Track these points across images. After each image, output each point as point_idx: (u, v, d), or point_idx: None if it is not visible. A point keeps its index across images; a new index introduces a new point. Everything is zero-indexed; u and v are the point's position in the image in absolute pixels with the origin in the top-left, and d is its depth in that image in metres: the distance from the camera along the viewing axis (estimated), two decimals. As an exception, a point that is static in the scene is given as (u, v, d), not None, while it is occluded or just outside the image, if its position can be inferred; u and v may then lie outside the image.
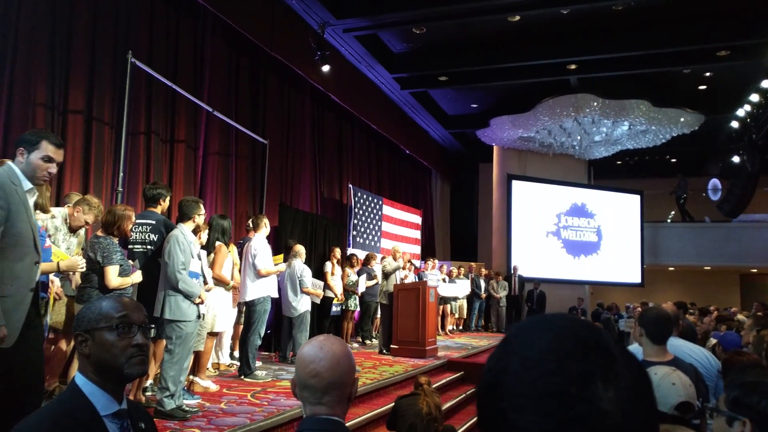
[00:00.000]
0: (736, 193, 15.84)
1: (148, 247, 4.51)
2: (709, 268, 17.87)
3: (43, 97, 5.68)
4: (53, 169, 2.67)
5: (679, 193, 17.11)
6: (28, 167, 2.62)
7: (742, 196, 15.69)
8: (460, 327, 12.78)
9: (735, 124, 13.76)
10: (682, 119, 13.31)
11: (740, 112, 13.02)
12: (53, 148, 2.65)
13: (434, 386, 5.59)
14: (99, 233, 3.92)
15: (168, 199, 4.67)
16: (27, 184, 2.61)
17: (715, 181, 17.98)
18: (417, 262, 12.12)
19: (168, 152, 7.24)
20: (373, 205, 11.55)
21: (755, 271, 18.79)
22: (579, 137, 14.19)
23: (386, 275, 8.29)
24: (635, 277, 16.27)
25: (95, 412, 1.35)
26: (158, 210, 4.61)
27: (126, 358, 1.42)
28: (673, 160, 18.50)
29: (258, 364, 6.07)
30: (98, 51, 6.28)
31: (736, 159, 14.96)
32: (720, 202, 17.19)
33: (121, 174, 5.64)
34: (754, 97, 12.13)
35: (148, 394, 4.62)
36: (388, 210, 12.18)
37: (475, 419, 6.56)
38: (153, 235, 4.51)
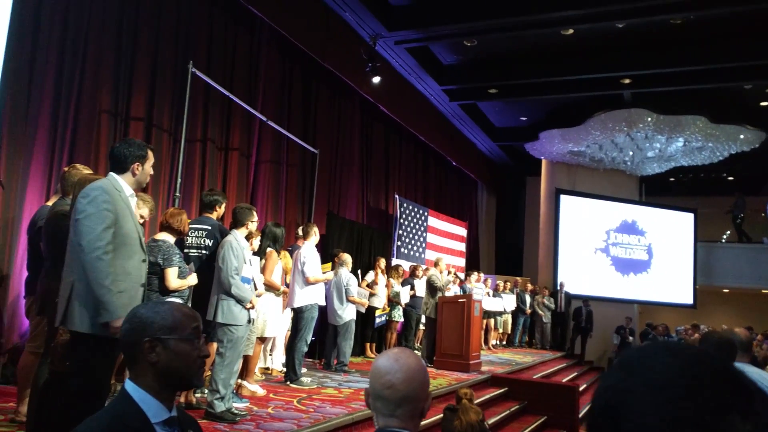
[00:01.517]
0: (798, 214, 15.18)
1: (203, 251, 4.63)
2: (766, 291, 17.12)
3: (107, 105, 5.93)
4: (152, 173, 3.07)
5: (736, 213, 16.47)
6: (142, 176, 2.97)
7: (804, 217, 15.02)
8: (504, 342, 12.60)
9: (798, 142, 13.20)
10: (741, 136, 12.85)
11: (804, 130, 12.50)
12: (152, 155, 3.03)
13: (478, 401, 5.52)
14: (157, 237, 4.06)
15: (223, 205, 4.80)
16: (129, 190, 2.91)
17: (775, 201, 17.25)
18: (461, 275, 12.04)
19: (222, 159, 7.44)
20: (418, 216, 11.55)
21: (816, 296, 17.91)
22: (631, 152, 13.86)
23: (436, 290, 8.21)
24: (687, 298, 15.72)
25: (146, 420, 1.35)
26: (214, 216, 4.74)
27: (196, 368, 1.44)
28: (730, 178, 17.84)
29: (303, 370, 6.13)
30: (160, 61, 6.52)
31: (798, 178, 14.35)
32: (780, 223, 16.49)
33: (179, 180, 5.82)
34: (820, 115, 11.65)
35: (198, 395, 4.73)
36: (433, 221, 12.16)
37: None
38: (208, 240, 4.63)
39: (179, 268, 3.91)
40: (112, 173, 2.90)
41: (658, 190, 17.29)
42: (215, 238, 4.62)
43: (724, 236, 18.37)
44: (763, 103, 12.46)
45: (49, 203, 3.91)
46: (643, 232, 15.60)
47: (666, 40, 10.01)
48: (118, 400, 1.40)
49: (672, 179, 17.31)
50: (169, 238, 4.00)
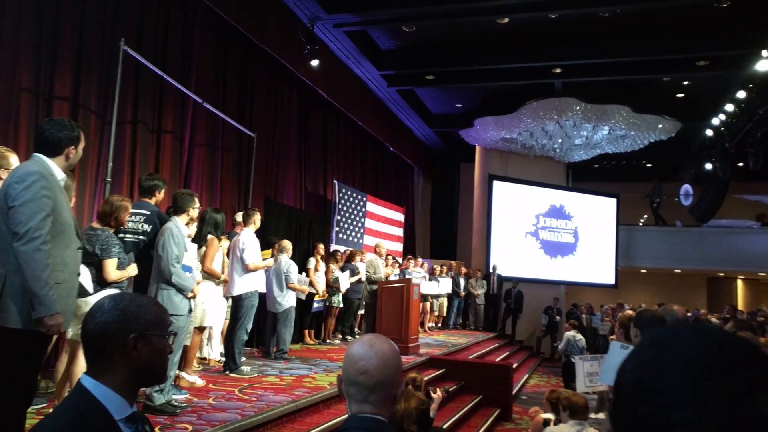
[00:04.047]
0: (708, 199, 16.23)
1: (140, 237, 4.45)
2: (679, 271, 18.29)
3: (28, 83, 5.54)
4: None
5: (654, 198, 17.45)
6: (75, 159, 2.82)
7: (713, 202, 16.08)
8: (439, 324, 12.87)
9: (709, 132, 14.09)
10: (660, 125, 13.58)
11: (715, 121, 13.34)
12: (83, 136, 2.90)
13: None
14: (95, 225, 3.85)
15: (163, 191, 4.62)
16: (60, 174, 2.74)
17: (687, 187, 18.38)
18: (399, 259, 12.16)
19: (154, 142, 7.13)
20: (357, 201, 11.55)
21: (722, 274, 19.31)
22: (560, 140, 14.37)
23: (369, 280, 8.32)
24: (609, 279, 16.57)
25: (110, 417, 1.29)
26: (152, 201, 4.56)
27: (167, 364, 1.43)
28: (649, 165, 18.85)
29: (242, 359, 6.04)
30: (86, 37, 6.15)
31: (708, 166, 15.31)
32: (692, 207, 17.60)
33: (110, 164, 5.53)
34: (729, 107, 12.43)
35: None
36: (371, 207, 12.19)
37: (457, 416, 6.63)
38: (147, 226, 4.45)
39: (119, 258, 3.73)
40: (40, 156, 2.69)
41: (584, 176, 18.05)
42: (154, 223, 4.44)
43: (642, 220, 19.42)
44: (679, 95, 13.22)
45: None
46: (570, 217, 16.26)
47: (595, 33, 10.40)
48: (77, 398, 1.31)
49: (597, 166, 18.11)
50: (108, 228, 3.81)
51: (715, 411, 0.53)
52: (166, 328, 1.40)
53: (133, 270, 3.93)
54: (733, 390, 0.54)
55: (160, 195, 4.60)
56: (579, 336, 10.04)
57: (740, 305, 18.64)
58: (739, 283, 20.44)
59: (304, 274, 8.16)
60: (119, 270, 3.76)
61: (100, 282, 3.67)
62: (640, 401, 0.57)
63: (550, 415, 4.86)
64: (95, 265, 3.63)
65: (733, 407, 0.53)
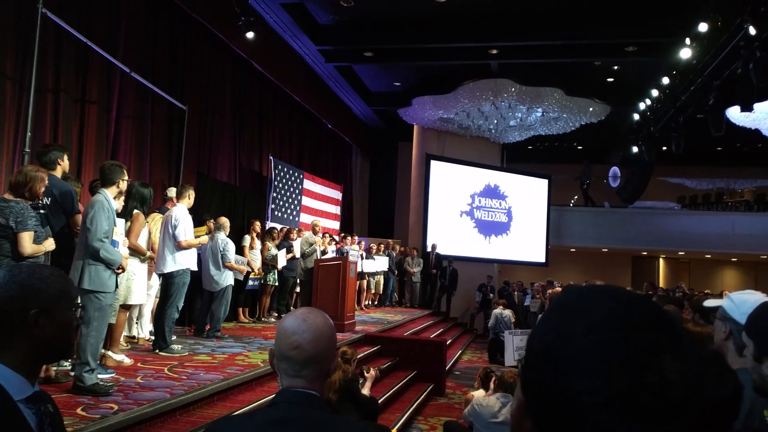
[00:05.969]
0: (634, 180, 16.97)
1: (42, 211, 4.23)
2: (606, 249, 19.10)
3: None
4: None
5: (584, 179, 18.09)
6: None
7: (638, 183, 16.83)
8: (376, 302, 12.97)
9: (636, 117, 14.67)
10: (591, 109, 14.04)
11: (641, 106, 13.89)
12: None
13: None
14: (8, 196, 3.62)
15: (66, 157, 4.42)
16: None
17: (615, 169, 19.12)
18: (336, 237, 12.13)
19: (78, 113, 6.77)
20: (293, 178, 11.39)
21: (645, 253, 20.34)
22: (495, 121, 14.64)
23: (303, 255, 8.26)
24: (540, 257, 17.11)
25: (9, 398, 1.19)
26: (59, 172, 4.35)
27: (74, 338, 1.35)
28: (580, 148, 19.50)
29: (173, 338, 5.89)
30: (0, -3, 5.74)
31: (635, 149, 15.96)
32: (619, 189, 18.35)
33: (29, 134, 5.21)
34: (655, 92, 12.96)
35: (55, 368, 4.36)
36: (309, 184, 12.07)
37: (391, 391, 6.73)
38: (46, 199, 4.23)
39: (35, 231, 3.53)
40: None
41: (518, 157, 18.48)
42: (52, 194, 4.23)
43: (572, 201, 20.13)
44: (610, 80, 13.68)
45: None
46: (504, 196, 16.63)
47: (531, 15, 10.57)
48: None
49: (530, 147, 18.56)
50: (22, 199, 3.59)
51: (620, 375, 0.52)
52: (72, 300, 1.31)
53: (50, 244, 3.73)
54: (637, 353, 0.53)
55: (65, 162, 4.41)
56: (506, 312, 10.33)
57: (661, 283, 19.72)
58: (661, 261, 21.60)
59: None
60: (35, 244, 3.56)
61: (15, 256, 3.45)
62: (547, 368, 0.56)
63: (481, 391, 5.01)
64: (9, 238, 3.42)
65: (638, 371, 0.52)
